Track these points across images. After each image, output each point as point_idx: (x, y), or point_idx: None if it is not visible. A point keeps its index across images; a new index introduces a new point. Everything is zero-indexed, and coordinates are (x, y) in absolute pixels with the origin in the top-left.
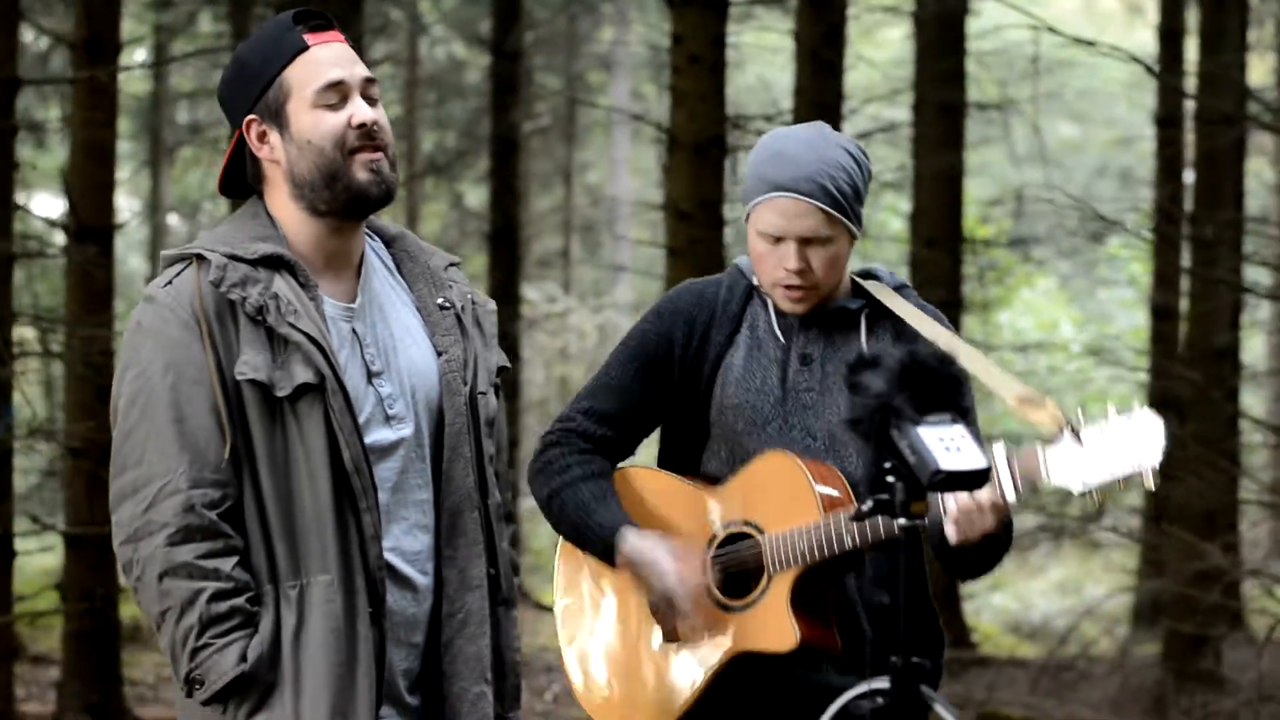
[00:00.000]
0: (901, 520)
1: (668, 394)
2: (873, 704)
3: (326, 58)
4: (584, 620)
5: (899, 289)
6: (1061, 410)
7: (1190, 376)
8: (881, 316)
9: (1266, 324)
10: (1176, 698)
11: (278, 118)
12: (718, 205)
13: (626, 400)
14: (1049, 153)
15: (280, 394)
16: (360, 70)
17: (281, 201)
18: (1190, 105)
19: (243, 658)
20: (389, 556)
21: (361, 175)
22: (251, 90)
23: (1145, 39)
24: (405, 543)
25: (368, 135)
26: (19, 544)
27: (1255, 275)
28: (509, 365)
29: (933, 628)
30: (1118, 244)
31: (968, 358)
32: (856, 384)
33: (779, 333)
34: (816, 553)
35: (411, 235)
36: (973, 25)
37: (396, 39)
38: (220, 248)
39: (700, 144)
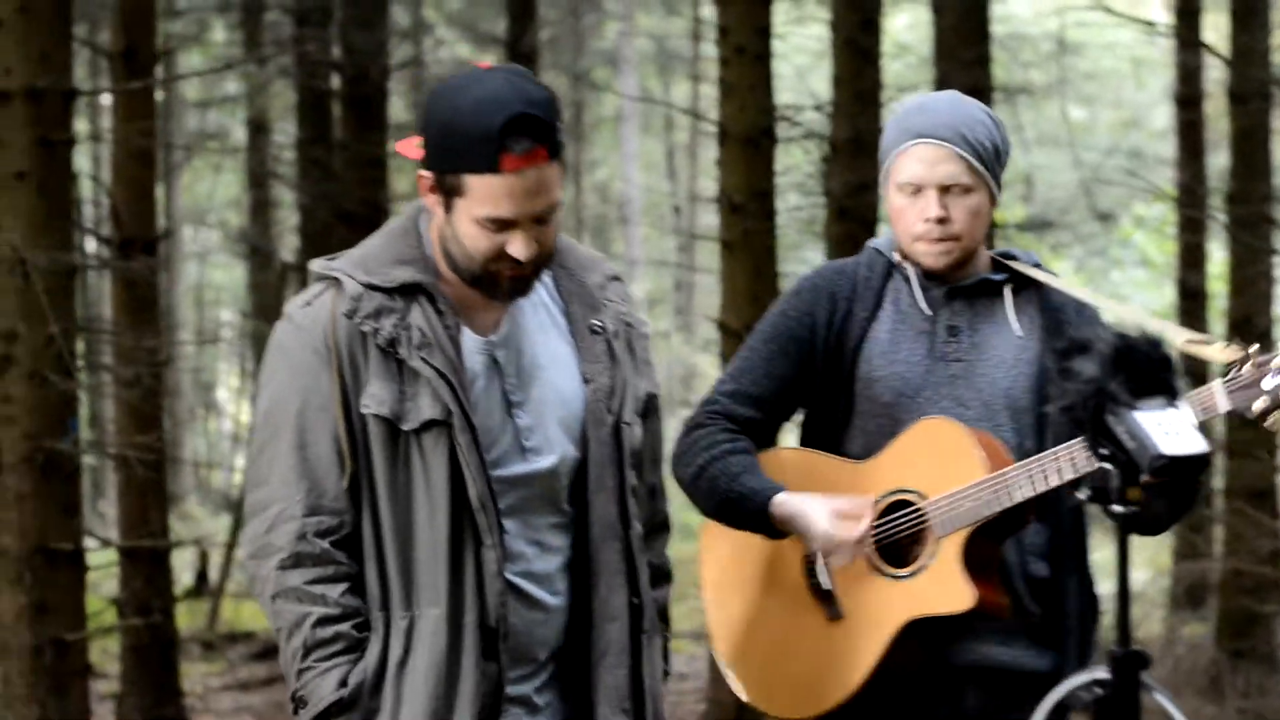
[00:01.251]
0: (1118, 508)
1: (811, 372)
2: (1092, 694)
3: (509, 189)
4: (735, 603)
5: (1035, 266)
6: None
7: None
8: (1026, 287)
9: None
10: (1232, 678)
11: (447, 198)
12: (769, 196)
13: (770, 380)
14: (1061, 134)
15: (406, 428)
16: (539, 204)
17: (434, 232)
18: (1211, 83)
19: (342, 683)
20: (517, 579)
21: (498, 285)
22: (435, 159)
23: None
24: (536, 565)
25: (518, 265)
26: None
27: None
28: (658, 391)
29: (1094, 602)
30: (1130, 226)
31: (1123, 311)
32: (1068, 369)
33: (923, 305)
34: (986, 509)
35: (573, 248)
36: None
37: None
38: (359, 274)
39: (751, 135)
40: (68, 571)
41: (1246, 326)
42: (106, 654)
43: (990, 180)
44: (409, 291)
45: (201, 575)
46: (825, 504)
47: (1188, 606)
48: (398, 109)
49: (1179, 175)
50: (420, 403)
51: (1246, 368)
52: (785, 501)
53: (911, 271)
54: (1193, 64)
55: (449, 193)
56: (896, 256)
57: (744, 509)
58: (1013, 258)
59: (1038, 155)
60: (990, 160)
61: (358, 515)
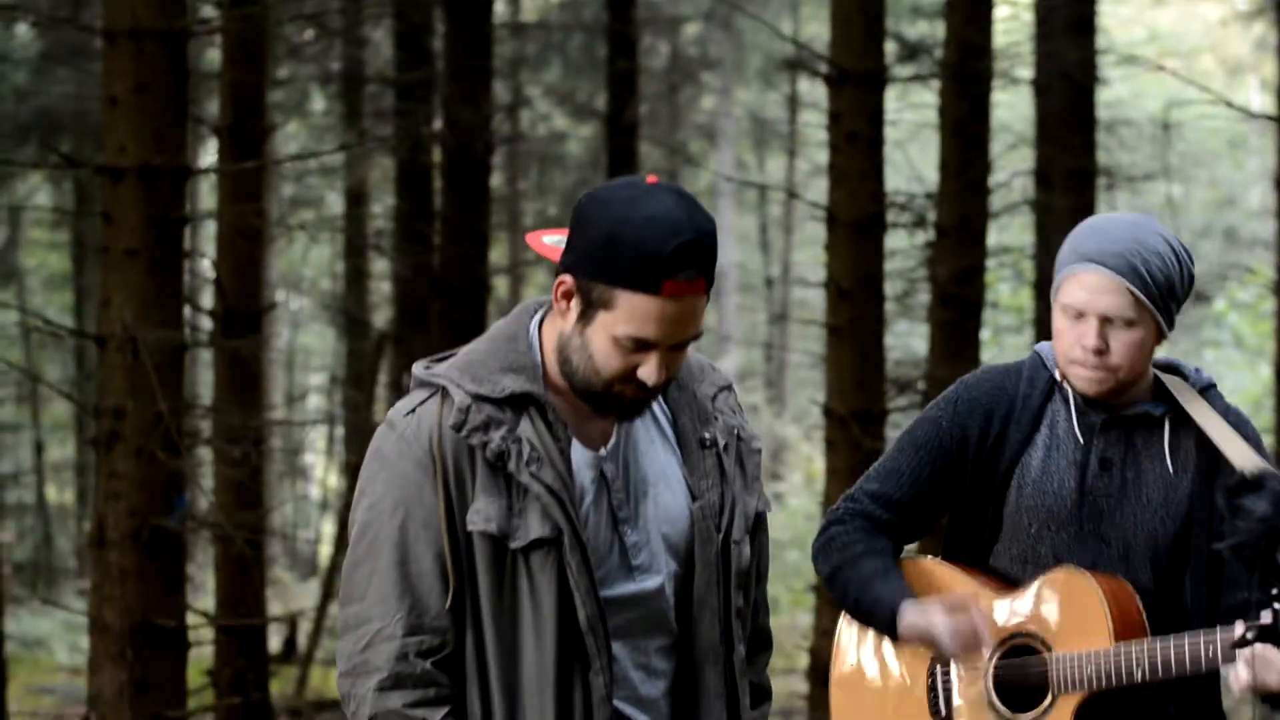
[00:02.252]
0: None
1: (958, 487)
2: None
3: (658, 314)
4: (862, 695)
5: (1204, 390)
6: None
7: None
8: (1185, 421)
9: None
10: None
11: (587, 307)
12: (878, 282)
13: (915, 489)
14: (1159, 213)
15: (514, 546)
16: (684, 333)
17: (552, 336)
18: None
19: None
20: (623, 705)
21: (614, 405)
22: (586, 265)
23: (1244, 99)
24: (643, 690)
25: (644, 389)
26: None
27: None
28: (769, 509)
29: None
30: (1224, 304)
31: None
32: (1238, 507)
33: (1079, 433)
34: (1103, 681)
35: (687, 359)
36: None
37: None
38: (467, 383)
39: (861, 221)
40: (170, 649)
41: None
42: None
43: (1159, 314)
44: (518, 403)
45: (290, 642)
46: (948, 611)
47: None
48: (496, 181)
49: (1277, 258)
50: (529, 520)
51: None
52: (913, 613)
53: (1070, 394)
54: None
55: (593, 304)
56: (1059, 374)
57: (872, 613)
58: (1181, 373)
59: None
60: (1162, 294)
61: (460, 636)
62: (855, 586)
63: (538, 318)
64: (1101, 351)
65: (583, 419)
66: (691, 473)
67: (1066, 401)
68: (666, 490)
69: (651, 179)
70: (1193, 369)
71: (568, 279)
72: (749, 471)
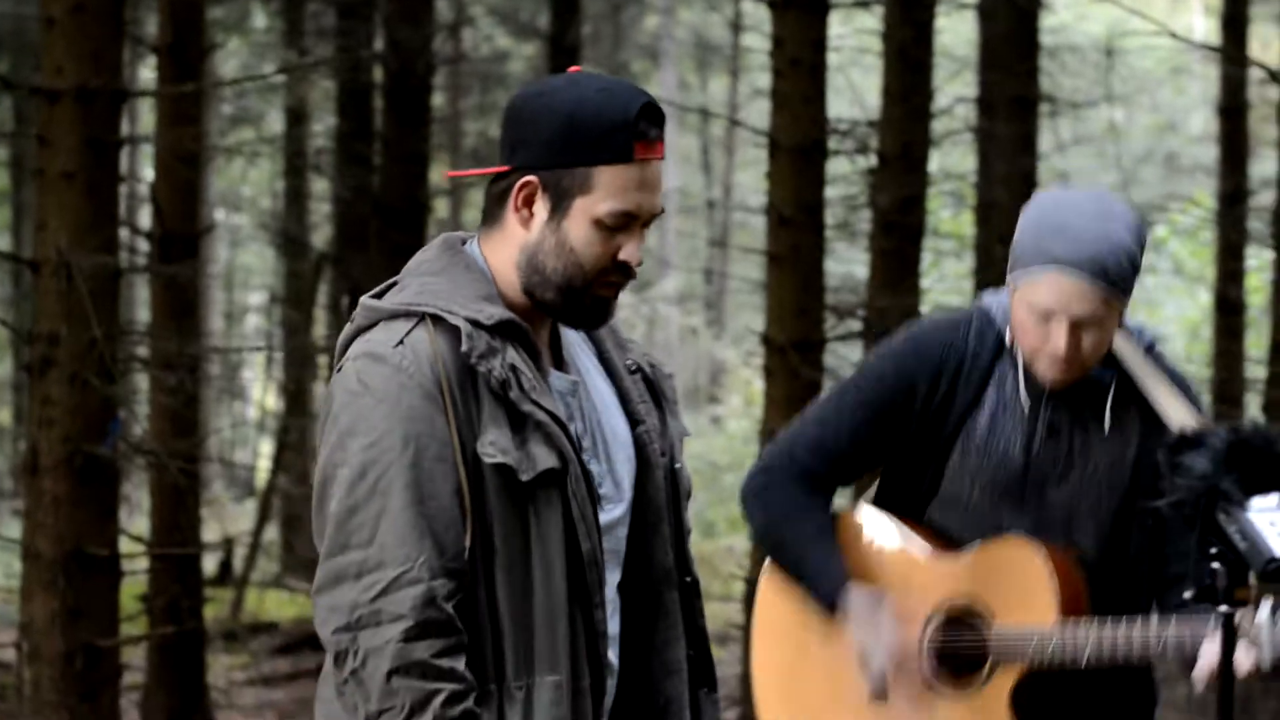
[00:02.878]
0: (1224, 607)
1: (900, 442)
2: None
3: (640, 179)
4: (783, 651)
5: (1149, 350)
6: None
7: None
8: (1131, 386)
9: None
10: (1264, 700)
11: (559, 201)
12: (819, 209)
13: (855, 442)
14: (1099, 138)
15: (524, 478)
16: (658, 200)
17: (505, 257)
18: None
19: None
20: None
21: (591, 305)
22: (554, 155)
23: (1187, 22)
24: (610, 626)
25: (624, 272)
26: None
27: None
28: (690, 433)
29: (1153, 691)
30: (1165, 230)
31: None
32: (1179, 464)
33: (1026, 398)
34: (1045, 660)
35: None
36: (1046, 19)
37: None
38: (457, 309)
39: (803, 147)
40: (102, 577)
41: None
42: (133, 649)
43: (1123, 303)
44: (506, 330)
45: (226, 565)
46: (890, 628)
47: None
48: (438, 101)
49: (1220, 186)
50: (534, 452)
51: None
52: (853, 605)
53: (1020, 357)
54: (1237, 76)
55: (566, 193)
56: (1009, 335)
57: (808, 583)
58: (1124, 329)
59: (1075, 158)
60: (1129, 282)
61: (474, 577)
62: (794, 549)
63: (471, 247)
64: (1072, 354)
65: (545, 348)
66: (628, 399)
67: (1015, 365)
68: (613, 417)
69: (574, 69)
70: (1137, 327)
71: (531, 179)
72: (669, 397)
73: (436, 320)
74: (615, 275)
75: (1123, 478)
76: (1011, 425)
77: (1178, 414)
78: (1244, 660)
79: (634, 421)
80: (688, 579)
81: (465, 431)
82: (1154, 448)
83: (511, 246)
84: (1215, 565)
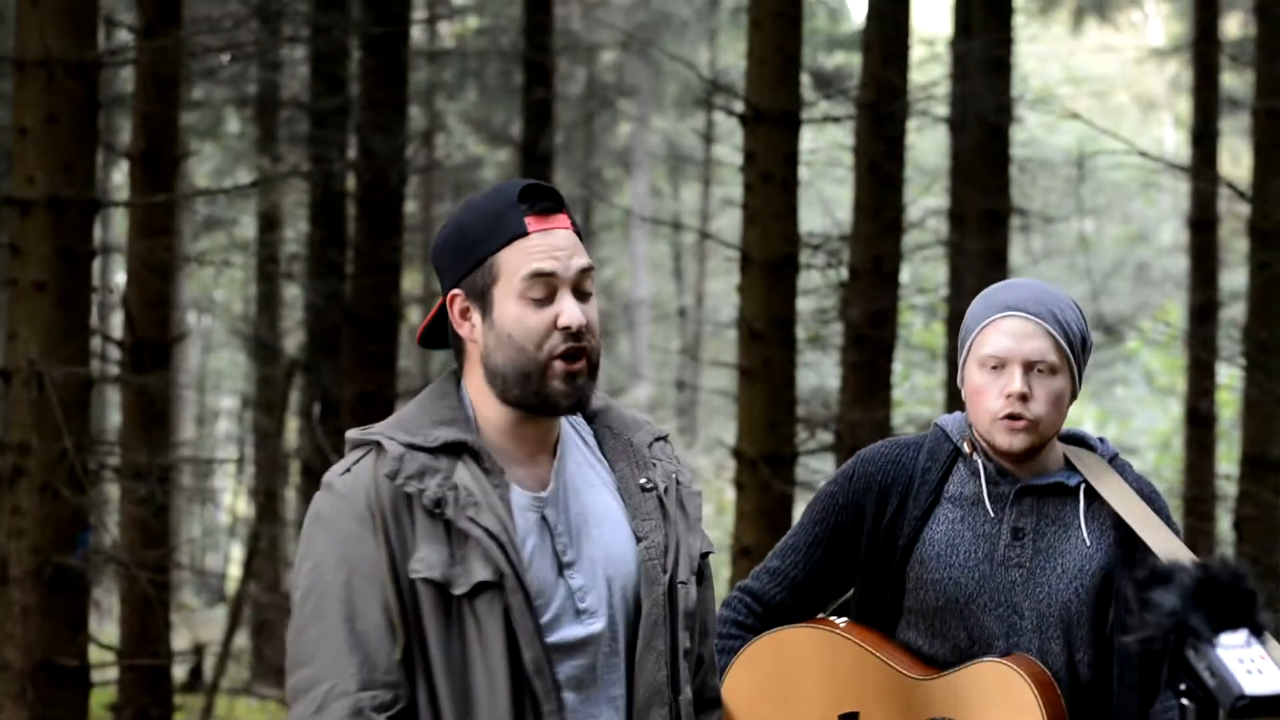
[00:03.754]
0: None
1: (854, 564)
2: None
3: (543, 246)
4: None
5: (1111, 460)
6: None
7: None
8: (1095, 496)
9: None
10: None
11: (482, 300)
12: (791, 324)
13: (809, 566)
14: (1070, 249)
15: (457, 592)
16: (577, 263)
17: (476, 383)
18: (1223, 209)
19: None
20: None
21: (556, 385)
22: (461, 264)
23: (1158, 135)
24: None
25: (573, 338)
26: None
27: None
28: (713, 549)
29: None
30: (1136, 341)
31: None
32: (1147, 600)
33: (989, 505)
34: None
35: (616, 408)
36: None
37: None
38: (400, 435)
39: (775, 262)
40: (71, 688)
41: (1259, 462)
42: None
43: (1074, 368)
44: (453, 450)
45: (196, 672)
46: None
47: None
48: (411, 209)
49: (1190, 300)
50: (470, 566)
51: None
52: None
53: (980, 465)
54: (1207, 191)
55: (483, 292)
56: (966, 447)
57: None
58: (1086, 444)
59: (1046, 270)
60: (1077, 347)
61: (413, 688)
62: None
63: (458, 378)
64: (1025, 397)
65: (521, 465)
66: (633, 516)
67: (976, 474)
68: (610, 532)
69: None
70: (1097, 439)
71: (456, 293)
72: (690, 513)
73: (380, 447)
74: (563, 345)
75: (1094, 584)
76: (973, 534)
77: (1157, 537)
78: None
79: (636, 539)
80: (680, 698)
81: (398, 550)
82: (1122, 561)
83: (476, 366)
84: (1185, 702)
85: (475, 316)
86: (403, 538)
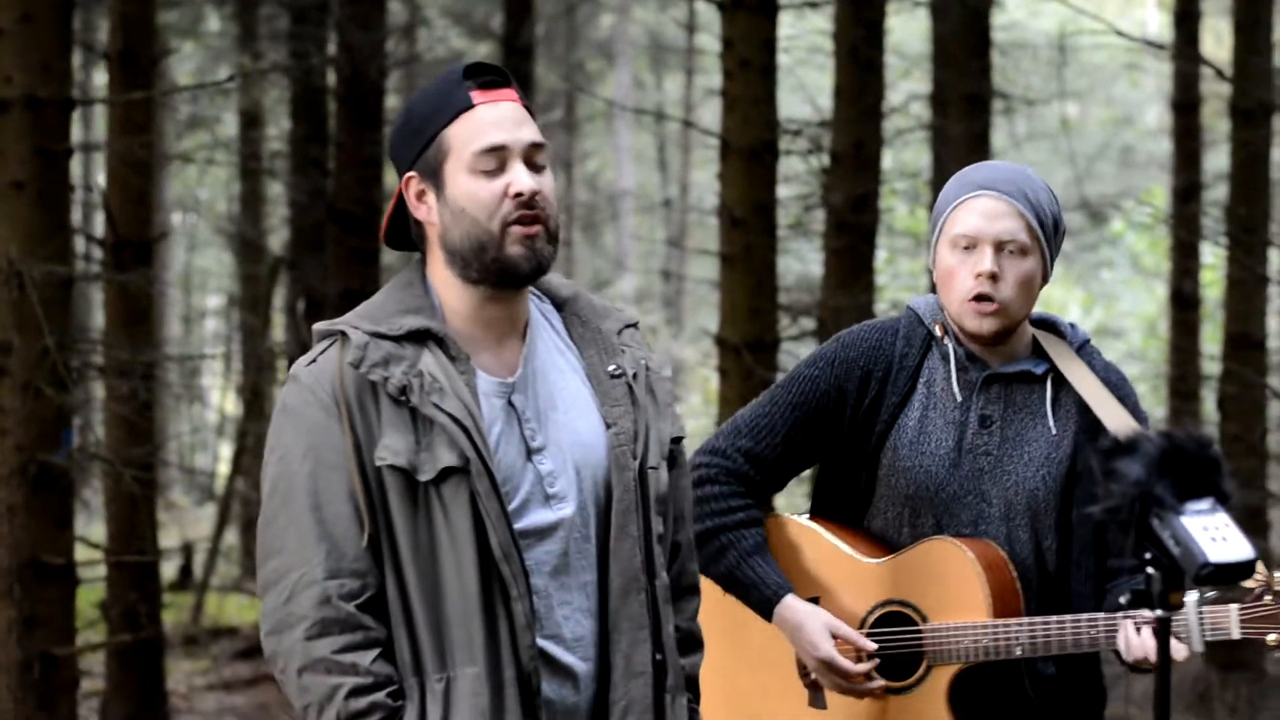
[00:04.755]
0: (1159, 612)
1: (831, 446)
2: None
3: (490, 118)
4: (723, 655)
5: (1081, 348)
6: (1266, 569)
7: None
8: (1063, 383)
9: None
10: (1221, 691)
11: (435, 178)
12: (771, 210)
13: (787, 447)
14: (1054, 131)
15: (423, 478)
16: (526, 134)
17: (438, 267)
18: (1207, 89)
19: None
20: (547, 644)
21: (514, 250)
22: (413, 146)
23: (1140, 18)
24: (566, 629)
25: (526, 205)
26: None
27: None
28: (684, 434)
29: (1102, 695)
30: (1121, 224)
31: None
32: (1112, 470)
33: (958, 391)
34: (980, 655)
35: (585, 296)
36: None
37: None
38: (364, 324)
39: (754, 149)
40: (58, 585)
41: (1243, 341)
42: (92, 655)
43: (1046, 251)
44: (418, 338)
45: (185, 570)
46: (828, 629)
47: None
48: (392, 104)
49: (1174, 182)
50: (437, 451)
51: (1267, 597)
52: (790, 611)
53: (951, 350)
54: (1190, 72)
55: (435, 170)
56: (937, 330)
57: (749, 596)
58: (1057, 329)
59: (1029, 154)
60: (1049, 229)
61: (381, 576)
62: (734, 555)
63: (424, 268)
64: (995, 277)
65: (487, 351)
66: (603, 401)
67: (946, 359)
68: (579, 418)
69: None
70: (1068, 325)
71: (410, 176)
72: (660, 399)
73: (345, 337)
74: (516, 212)
75: (1061, 471)
76: (943, 420)
77: (1111, 414)
78: (1178, 648)
79: (605, 425)
80: (656, 582)
81: (364, 439)
82: (1088, 446)
83: (437, 250)
84: (1150, 570)
85: (430, 197)
86: (368, 426)
